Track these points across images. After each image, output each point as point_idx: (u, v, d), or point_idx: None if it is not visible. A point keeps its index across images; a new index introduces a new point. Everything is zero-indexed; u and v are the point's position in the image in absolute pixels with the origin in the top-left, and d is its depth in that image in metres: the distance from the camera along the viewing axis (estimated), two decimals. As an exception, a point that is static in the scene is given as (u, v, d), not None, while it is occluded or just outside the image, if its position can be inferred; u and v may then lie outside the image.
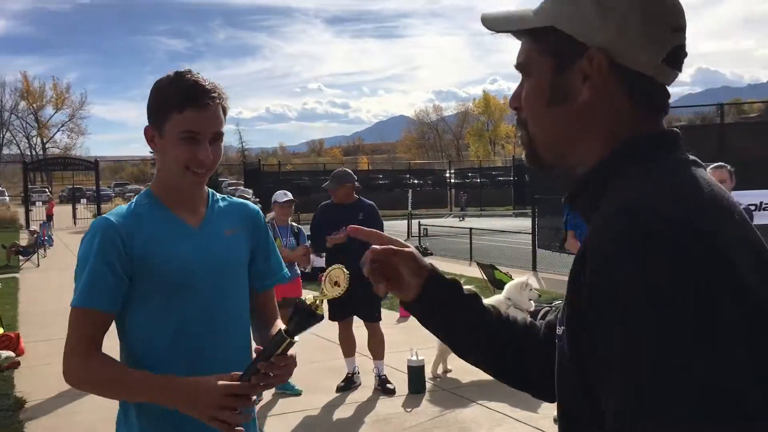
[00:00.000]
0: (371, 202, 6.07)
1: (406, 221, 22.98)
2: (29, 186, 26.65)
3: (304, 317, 1.58)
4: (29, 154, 68.73)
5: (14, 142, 72.34)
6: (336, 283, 1.59)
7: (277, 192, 6.04)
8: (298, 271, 6.06)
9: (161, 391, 1.66)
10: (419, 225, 20.51)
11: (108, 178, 64.92)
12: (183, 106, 1.68)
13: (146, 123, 1.78)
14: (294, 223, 6.02)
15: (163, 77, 1.76)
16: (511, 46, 1.05)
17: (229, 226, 1.88)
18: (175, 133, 1.70)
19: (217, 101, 1.73)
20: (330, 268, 1.60)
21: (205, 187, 1.91)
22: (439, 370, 6.36)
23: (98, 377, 1.70)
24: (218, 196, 1.95)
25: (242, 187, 9.32)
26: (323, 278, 1.60)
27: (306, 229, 6.35)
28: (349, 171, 6.12)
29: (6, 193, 46.72)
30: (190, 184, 1.78)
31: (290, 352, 1.64)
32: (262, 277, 1.96)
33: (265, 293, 1.98)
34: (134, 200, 1.85)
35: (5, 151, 66.64)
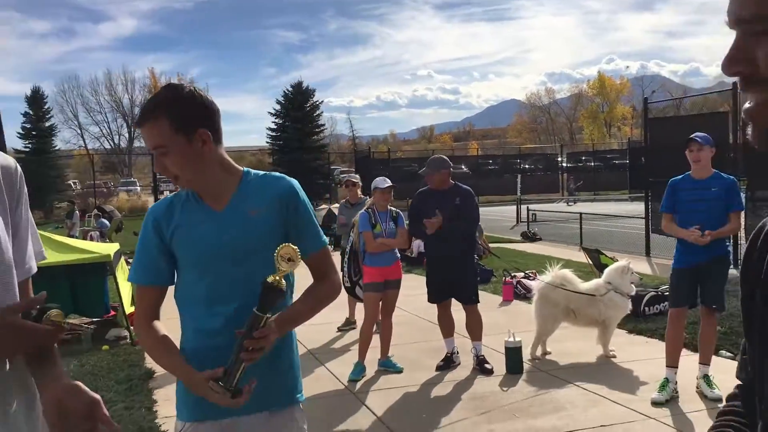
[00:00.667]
0: (468, 188, 6.20)
1: (515, 207, 22.82)
2: (157, 176, 28.46)
3: (270, 294, 1.84)
4: (157, 146, 72.78)
5: (144, 135, 77.07)
6: (290, 259, 1.85)
7: (377, 178, 6.26)
8: (398, 255, 6.28)
9: (173, 372, 2.07)
10: (528, 210, 20.31)
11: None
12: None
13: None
14: (393, 208, 6.23)
15: None
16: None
17: (254, 206, 2.05)
18: None
19: (147, 119, 1.95)
20: (279, 247, 1.85)
21: (238, 168, 2.12)
22: (538, 352, 6.43)
23: (146, 345, 2.15)
24: (252, 174, 2.13)
25: (352, 174, 9.74)
26: (276, 257, 1.84)
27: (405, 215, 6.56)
28: (445, 157, 6.26)
29: (137, 183, 49.99)
30: (199, 191, 2.08)
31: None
32: (301, 248, 2.04)
33: (310, 259, 2.13)
34: (176, 192, 2.17)
35: (136, 144, 70.99)
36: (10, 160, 1.61)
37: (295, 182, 2.15)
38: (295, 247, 1.89)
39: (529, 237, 17.15)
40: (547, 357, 6.44)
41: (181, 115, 1.94)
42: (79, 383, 1.53)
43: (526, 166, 41.06)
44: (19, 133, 39.92)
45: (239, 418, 2.04)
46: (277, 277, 1.85)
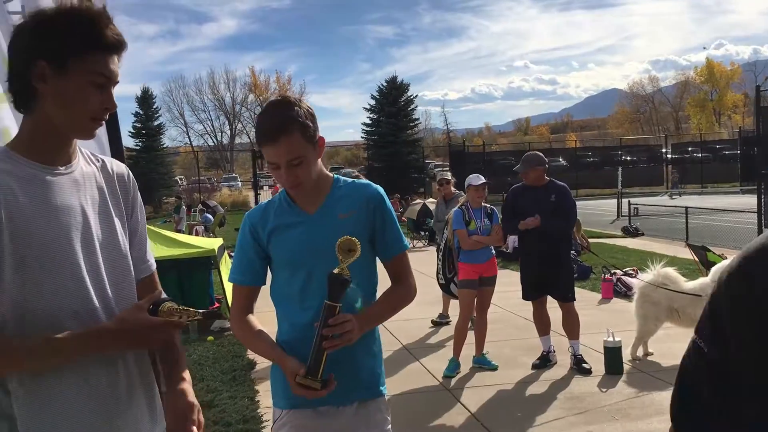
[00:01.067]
0: (563, 184, 6.08)
1: (615, 200, 22.12)
2: (258, 172, 29.40)
3: (338, 285, 1.94)
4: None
5: (245, 132, 79.42)
6: (350, 250, 1.94)
7: (471, 175, 6.22)
8: (493, 252, 6.24)
9: (268, 357, 2.20)
10: (629, 204, 19.64)
11: (325, 162, 68.99)
12: (260, 144, 2.07)
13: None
14: (486, 205, 6.19)
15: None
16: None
17: (344, 209, 2.18)
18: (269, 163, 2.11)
19: (280, 135, 2.02)
20: (339, 240, 1.94)
21: (330, 175, 2.24)
22: (639, 353, 6.23)
23: (240, 336, 2.28)
24: (342, 181, 2.25)
25: (443, 170, 9.69)
26: (336, 249, 1.93)
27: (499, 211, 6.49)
28: (540, 154, 6.15)
29: (238, 179, 51.77)
30: (295, 196, 2.19)
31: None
32: (384, 250, 2.25)
33: (391, 262, 2.27)
34: (272, 197, 2.30)
35: (237, 140, 73.39)
36: (123, 168, 1.74)
37: (381, 189, 2.28)
38: (355, 239, 1.99)
39: (631, 232, 16.61)
40: (649, 358, 6.23)
41: (307, 125, 2.08)
42: (187, 388, 1.65)
43: (628, 158, 39.63)
44: (130, 132, 42.25)
45: (331, 407, 2.17)
46: (342, 268, 1.96)
